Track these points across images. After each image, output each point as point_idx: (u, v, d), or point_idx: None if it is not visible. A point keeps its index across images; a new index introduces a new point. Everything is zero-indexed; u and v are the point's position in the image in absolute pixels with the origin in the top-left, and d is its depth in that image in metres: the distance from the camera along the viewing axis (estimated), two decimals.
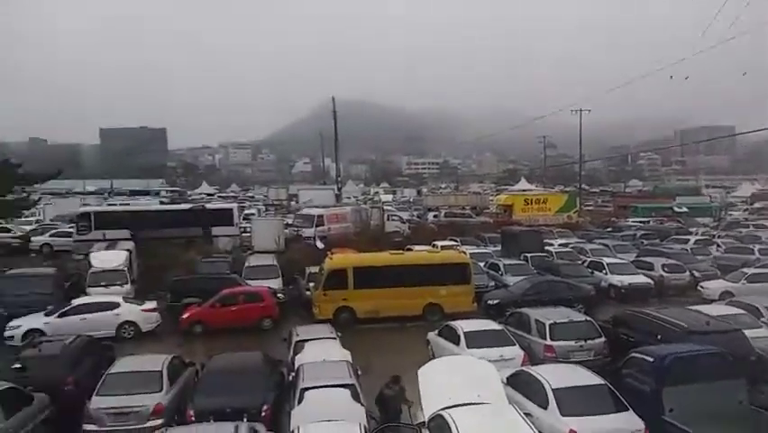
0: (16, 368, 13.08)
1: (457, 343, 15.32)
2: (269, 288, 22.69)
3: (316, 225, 36.02)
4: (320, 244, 30.81)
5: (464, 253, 24.98)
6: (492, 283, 24.78)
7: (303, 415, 10.49)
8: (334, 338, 15.82)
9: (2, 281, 22.26)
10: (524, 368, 12.89)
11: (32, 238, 35.51)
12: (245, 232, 36.42)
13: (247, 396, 11.98)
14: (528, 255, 28.10)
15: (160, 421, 11.65)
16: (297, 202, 64.15)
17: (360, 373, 13.04)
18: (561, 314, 16.71)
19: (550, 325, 15.81)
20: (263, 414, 11.67)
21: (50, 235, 35.34)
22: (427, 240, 31.73)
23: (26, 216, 39.21)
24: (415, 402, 11.46)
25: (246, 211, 48.28)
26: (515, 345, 15.28)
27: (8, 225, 36.82)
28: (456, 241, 32.26)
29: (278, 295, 22.93)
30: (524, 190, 66.19)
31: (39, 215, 44.99)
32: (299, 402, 11.19)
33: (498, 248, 32.11)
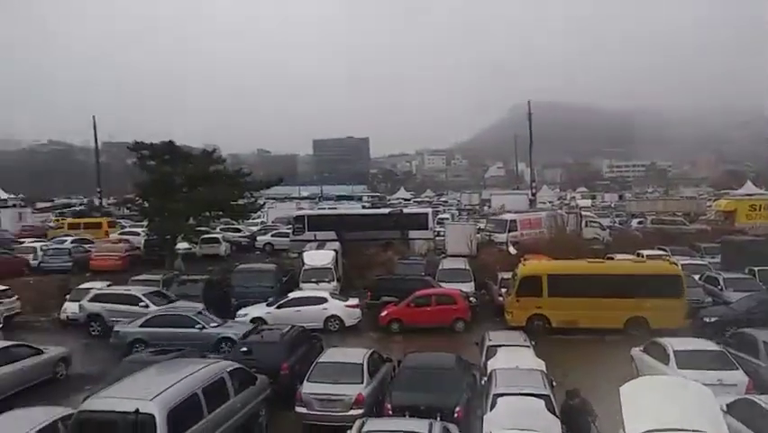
0: (243, 351, 15.04)
1: (666, 362, 14.00)
2: (461, 291, 22.99)
3: (509, 231, 35.58)
4: (512, 250, 30.34)
5: (675, 263, 22.69)
6: (709, 299, 22.15)
7: (495, 421, 10.45)
8: (528, 346, 15.48)
9: (234, 275, 25.79)
10: (748, 396, 11.33)
11: (258, 238, 40.46)
12: (439, 236, 37.23)
13: (441, 395, 12.33)
14: (755, 269, 24.57)
15: (360, 411, 12.44)
16: (489, 207, 63.92)
17: (554, 384, 12.61)
18: None
19: None
20: (456, 415, 11.88)
21: (272, 235, 39.94)
22: (631, 249, 29.41)
23: (253, 219, 44.75)
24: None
25: (440, 216, 49.33)
26: (737, 369, 13.49)
27: (239, 226, 42.50)
28: (665, 250, 29.37)
29: (470, 299, 23.10)
30: (749, 195, 57.90)
31: (263, 217, 51.03)
32: (492, 408, 11.15)
33: (717, 259, 28.60)
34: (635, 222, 47.23)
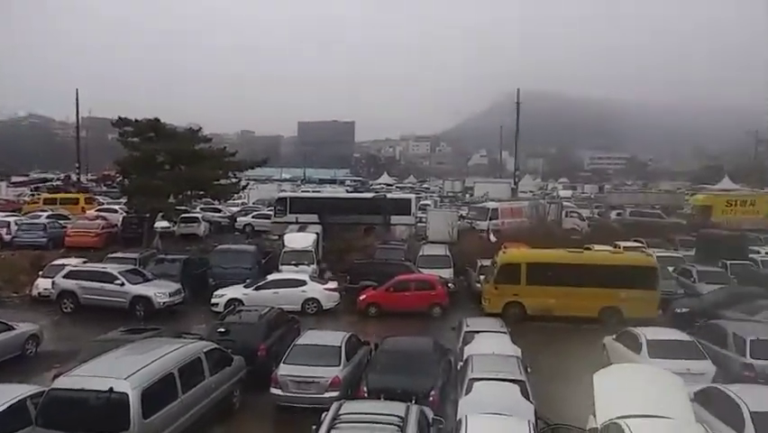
0: (220, 332, 14.94)
1: (638, 351, 14.27)
2: (440, 277, 23.13)
3: (490, 219, 35.86)
4: (493, 238, 30.54)
5: (651, 255, 23.05)
6: (681, 291, 22.57)
7: (471, 405, 10.57)
8: (505, 333, 15.68)
9: (213, 255, 25.61)
10: (716, 385, 11.60)
11: (238, 219, 40.09)
12: (421, 222, 37.25)
13: (417, 379, 12.44)
14: (728, 263, 25.08)
15: (336, 393, 12.50)
16: (471, 195, 64.18)
17: (529, 370, 12.77)
18: (766, 330, 14.73)
19: (751, 341, 14.01)
20: (431, 398, 11.99)
21: (253, 217, 39.60)
22: (609, 240, 29.74)
23: (234, 200, 44.33)
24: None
25: (422, 202, 49.37)
26: (706, 359, 13.81)
27: (219, 207, 42.08)
28: (642, 242, 29.83)
29: (449, 285, 23.29)
30: (727, 190, 58.89)
31: (244, 198, 50.58)
32: (467, 392, 11.29)
33: (692, 253, 29.11)
34: (613, 214, 47.79)
